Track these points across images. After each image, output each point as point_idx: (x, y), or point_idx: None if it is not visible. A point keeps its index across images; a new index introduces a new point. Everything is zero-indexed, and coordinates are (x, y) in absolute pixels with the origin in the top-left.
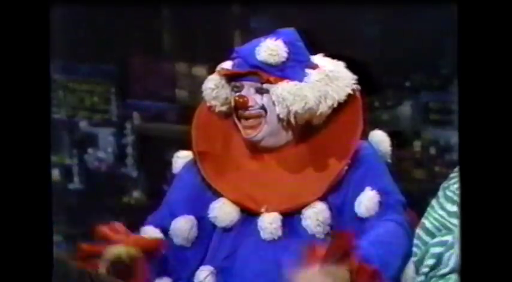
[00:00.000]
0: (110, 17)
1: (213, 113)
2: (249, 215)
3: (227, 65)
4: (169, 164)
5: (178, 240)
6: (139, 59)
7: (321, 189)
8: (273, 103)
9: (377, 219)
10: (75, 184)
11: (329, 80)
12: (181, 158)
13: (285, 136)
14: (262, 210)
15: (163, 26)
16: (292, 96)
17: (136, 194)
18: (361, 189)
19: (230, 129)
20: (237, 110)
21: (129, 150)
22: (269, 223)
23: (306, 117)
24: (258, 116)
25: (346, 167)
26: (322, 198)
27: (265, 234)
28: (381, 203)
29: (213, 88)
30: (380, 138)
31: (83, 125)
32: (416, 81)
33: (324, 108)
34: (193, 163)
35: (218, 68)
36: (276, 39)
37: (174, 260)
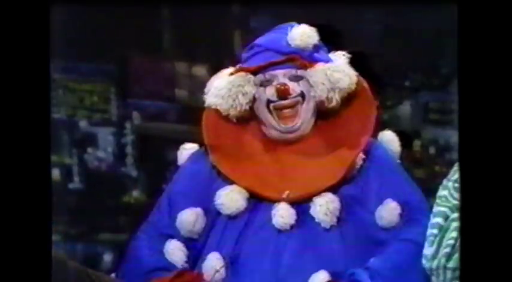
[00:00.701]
0: (110, 17)
1: (221, 115)
2: (257, 204)
3: (228, 71)
4: (169, 163)
5: (184, 232)
6: (139, 59)
7: (340, 173)
8: (310, 88)
9: (396, 235)
10: (75, 184)
11: (345, 60)
12: (187, 150)
13: (310, 126)
14: (284, 196)
15: (163, 26)
16: (341, 74)
17: (136, 193)
18: (380, 194)
19: (240, 128)
20: (271, 102)
21: (129, 150)
22: (287, 211)
23: (341, 96)
24: (295, 105)
25: (361, 162)
26: (334, 191)
27: (279, 223)
28: (401, 216)
29: (242, 85)
30: (390, 138)
31: (83, 124)
32: (416, 81)
33: (352, 86)
34: (200, 154)
35: (224, 71)
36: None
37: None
